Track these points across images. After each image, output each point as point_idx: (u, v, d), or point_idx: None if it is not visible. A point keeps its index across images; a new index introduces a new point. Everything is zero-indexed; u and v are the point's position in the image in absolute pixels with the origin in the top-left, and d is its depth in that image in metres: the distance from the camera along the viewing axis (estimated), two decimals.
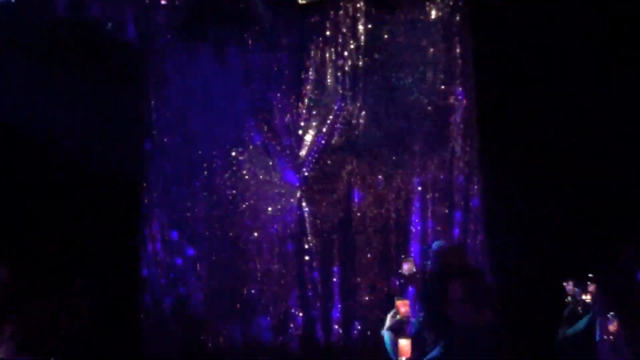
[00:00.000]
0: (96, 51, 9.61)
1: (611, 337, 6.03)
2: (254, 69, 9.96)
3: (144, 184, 9.96)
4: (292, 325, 9.82)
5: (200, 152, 10.00)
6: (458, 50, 9.79)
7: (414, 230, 9.77)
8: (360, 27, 9.78)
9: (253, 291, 9.85)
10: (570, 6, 9.33)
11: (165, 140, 9.96)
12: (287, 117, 9.94)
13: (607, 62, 9.32)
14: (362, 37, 9.80)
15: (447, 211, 9.77)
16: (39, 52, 9.49)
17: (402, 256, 9.44)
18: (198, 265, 9.88)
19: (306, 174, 9.83)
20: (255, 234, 9.89)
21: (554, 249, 9.70)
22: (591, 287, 6.58)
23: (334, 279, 9.91)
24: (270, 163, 9.95)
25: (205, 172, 9.98)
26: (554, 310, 7.24)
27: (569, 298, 6.98)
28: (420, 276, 7.05)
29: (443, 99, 9.82)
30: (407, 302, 6.66)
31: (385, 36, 9.77)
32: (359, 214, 9.85)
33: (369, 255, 9.87)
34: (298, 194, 9.82)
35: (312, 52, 9.97)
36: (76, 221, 9.49)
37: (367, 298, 9.82)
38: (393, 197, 9.88)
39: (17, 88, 9.41)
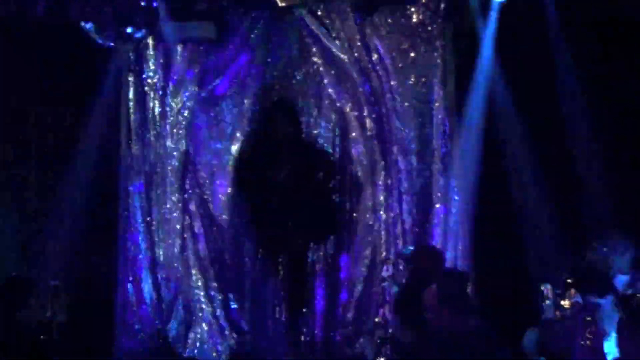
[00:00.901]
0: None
1: (588, 342, 5.99)
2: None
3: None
4: None
5: None
6: (439, 54, 9.75)
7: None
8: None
9: None
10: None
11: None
12: None
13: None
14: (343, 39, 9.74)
15: (427, 213, 9.74)
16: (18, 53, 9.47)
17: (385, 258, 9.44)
18: None
19: None
20: None
21: (537, 251, 9.72)
22: (570, 291, 6.50)
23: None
24: None
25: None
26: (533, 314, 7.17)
27: (547, 302, 6.90)
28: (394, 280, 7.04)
29: (424, 102, 9.79)
30: None
31: (365, 39, 9.70)
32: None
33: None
34: None
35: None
36: None
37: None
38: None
39: None
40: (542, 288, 6.99)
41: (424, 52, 9.78)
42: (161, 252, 9.90)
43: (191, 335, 9.83)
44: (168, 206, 9.87)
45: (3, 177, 9.71)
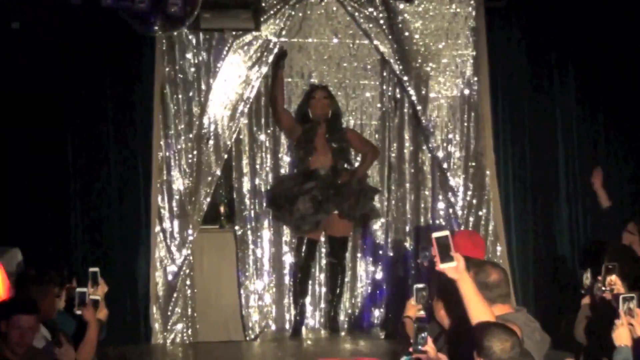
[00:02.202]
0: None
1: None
2: None
3: None
4: None
5: None
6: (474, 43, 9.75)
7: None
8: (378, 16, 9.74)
9: None
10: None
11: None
12: None
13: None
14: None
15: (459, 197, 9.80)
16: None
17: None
18: None
19: None
20: None
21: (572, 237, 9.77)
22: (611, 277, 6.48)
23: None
24: None
25: None
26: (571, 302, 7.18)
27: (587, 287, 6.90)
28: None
29: (459, 88, 9.81)
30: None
31: (400, 26, 9.69)
32: None
33: None
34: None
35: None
36: None
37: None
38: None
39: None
40: (583, 274, 7.01)
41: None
42: None
43: None
44: None
45: None
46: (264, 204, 10.06)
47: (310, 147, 9.83)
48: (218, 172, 9.88)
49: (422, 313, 6.45)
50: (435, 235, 5.28)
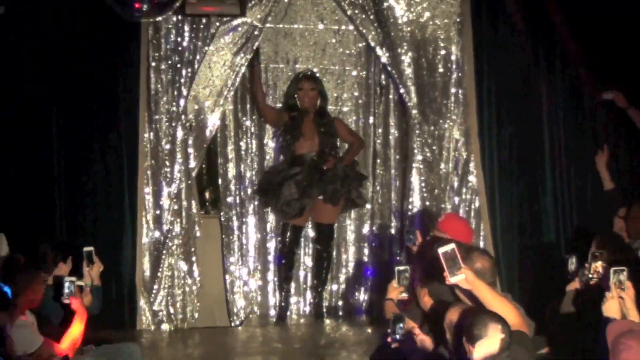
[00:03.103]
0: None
1: None
2: None
3: None
4: None
5: None
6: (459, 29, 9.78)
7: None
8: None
9: None
10: None
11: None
12: None
13: None
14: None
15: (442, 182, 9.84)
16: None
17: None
18: None
19: None
20: None
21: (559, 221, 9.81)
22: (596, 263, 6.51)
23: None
24: None
25: None
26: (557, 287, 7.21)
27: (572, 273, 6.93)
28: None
29: (444, 76, 9.81)
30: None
31: (385, 12, 9.68)
32: None
33: None
34: None
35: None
36: None
37: None
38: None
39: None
40: (569, 260, 7.03)
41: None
42: None
43: None
44: None
45: None
46: (250, 191, 10.07)
47: (297, 133, 9.83)
48: (203, 158, 9.87)
49: (404, 295, 6.47)
50: (441, 250, 5.29)
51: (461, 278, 5.25)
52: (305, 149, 9.81)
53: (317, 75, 10.08)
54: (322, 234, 9.96)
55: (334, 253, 10.13)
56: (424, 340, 5.71)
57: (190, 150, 9.71)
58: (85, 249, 7.30)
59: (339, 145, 10.09)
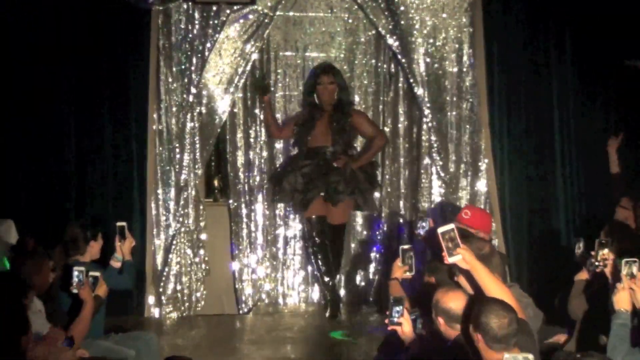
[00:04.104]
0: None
1: None
2: None
3: None
4: None
5: None
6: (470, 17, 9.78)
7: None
8: None
9: None
10: None
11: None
12: None
13: None
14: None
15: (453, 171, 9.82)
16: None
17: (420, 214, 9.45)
18: None
19: None
20: None
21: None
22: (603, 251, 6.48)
23: None
24: None
25: None
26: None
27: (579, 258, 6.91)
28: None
29: (454, 64, 9.81)
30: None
31: (396, 0, 9.67)
32: None
33: None
34: None
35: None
36: None
37: None
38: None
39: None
40: (576, 243, 7.03)
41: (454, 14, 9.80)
42: None
43: None
44: None
45: None
46: (259, 179, 10.04)
47: (309, 126, 9.68)
48: (212, 145, 9.87)
49: (408, 274, 6.47)
50: (440, 230, 5.32)
51: (459, 258, 5.27)
52: (318, 143, 9.63)
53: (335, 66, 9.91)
54: (333, 234, 9.65)
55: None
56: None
57: (200, 137, 9.71)
58: (118, 223, 7.31)
59: (357, 140, 9.97)
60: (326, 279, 9.55)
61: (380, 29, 9.80)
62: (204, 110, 9.73)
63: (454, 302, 5.25)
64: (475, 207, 8.05)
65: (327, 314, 9.48)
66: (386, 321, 5.68)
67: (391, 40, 9.77)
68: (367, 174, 9.64)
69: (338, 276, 9.88)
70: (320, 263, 9.58)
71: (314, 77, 9.75)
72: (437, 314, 5.30)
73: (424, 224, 7.25)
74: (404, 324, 5.56)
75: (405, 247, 6.52)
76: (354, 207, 9.73)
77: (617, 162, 8.98)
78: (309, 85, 9.83)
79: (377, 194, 10.06)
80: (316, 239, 9.59)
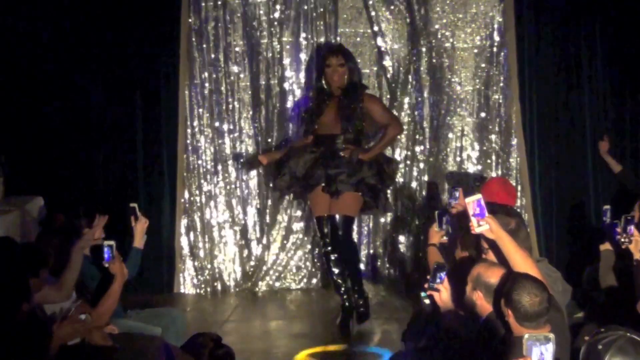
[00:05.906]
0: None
1: None
2: None
3: None
4: None
5: None
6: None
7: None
8: None
9: None
10: None
11: None
12: None
13: None
14: None
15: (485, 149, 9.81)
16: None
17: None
18: None
19: None
20: None
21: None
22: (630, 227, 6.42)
23: None
24: None
25: None
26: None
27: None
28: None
29: (486, 40, 9.81)
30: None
31: None
32: None
33: None
34: None
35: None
36: None
37: None
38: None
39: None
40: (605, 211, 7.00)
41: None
42: None
43: None
44: None
45: None
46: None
47: (318, 112, 8.69)
48: (244, 125, 9.86)
49: (445, 239, 6.41)
50: (468, 199, 5.32)
51: (486, 228, 5.26)
52: (327, 131, 8.59)
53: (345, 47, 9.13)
54: (340, 226, 8.46)
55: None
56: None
57: (232, 116, 9.78)
58: (131, 204, 7.31)
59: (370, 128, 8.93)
60: (339, 281, 8.53)
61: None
62: (235, 88, 9.82)
63: (496, 277, 5.20)
64: (499, 180, 7.94)
65: (337, 322, 8.54)
66: (425, 285, 5.64)
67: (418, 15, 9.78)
68: (378, 169, 8.58)
69: (349, 282, 8.56)
70: (331, 265, 8.53)
71: (322, 59, 8.84)
72: (477, 287, 5.22)
73: (456, 193, 7.14)
74: (442, 291, 5.53)
75: (441, 211, 6.47)
76: (363, 205, 8.64)
77: (614, 162, 9.14)
78: (317, 69, 9.15)
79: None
80: (326, 239, 8.50)
